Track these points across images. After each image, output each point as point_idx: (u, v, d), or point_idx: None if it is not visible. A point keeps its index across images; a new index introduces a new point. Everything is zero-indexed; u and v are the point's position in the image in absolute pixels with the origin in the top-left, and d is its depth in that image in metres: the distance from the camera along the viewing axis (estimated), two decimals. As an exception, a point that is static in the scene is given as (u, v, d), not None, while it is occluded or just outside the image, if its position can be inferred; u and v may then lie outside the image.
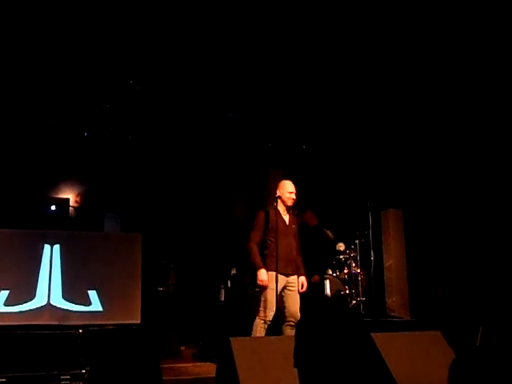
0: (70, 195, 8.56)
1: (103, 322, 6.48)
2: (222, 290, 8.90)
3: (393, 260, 8.48)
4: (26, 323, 6.15)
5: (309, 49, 6.49)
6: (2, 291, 6.41)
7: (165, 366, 6.39)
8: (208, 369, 5.77)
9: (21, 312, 6.46)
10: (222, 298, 8.90)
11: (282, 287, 5.50)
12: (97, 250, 7.06)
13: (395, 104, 7.40)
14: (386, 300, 8.37)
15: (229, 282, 8.78)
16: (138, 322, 6.70)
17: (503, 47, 5.90)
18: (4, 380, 4.02)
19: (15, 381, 4.07)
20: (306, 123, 8.03)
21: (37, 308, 6.54)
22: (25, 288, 6.57)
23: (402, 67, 6.74)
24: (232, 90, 7.24)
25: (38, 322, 6.16)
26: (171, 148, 8.30)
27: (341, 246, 8.04)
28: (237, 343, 4.62)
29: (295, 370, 1.65)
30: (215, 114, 7.73)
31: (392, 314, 8.14)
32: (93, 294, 6.74)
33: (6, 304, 6.41)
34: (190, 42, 6.37)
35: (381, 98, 7.36)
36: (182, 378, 5.84)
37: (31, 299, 6.54)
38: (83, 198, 8.50)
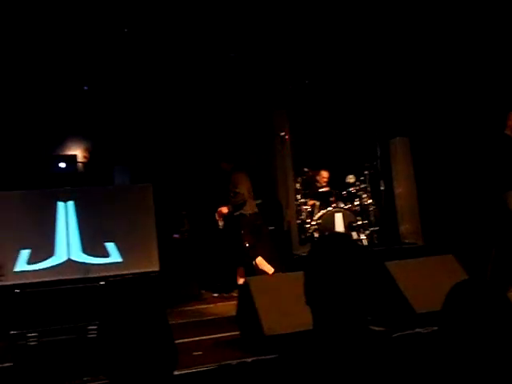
0: (76, 151, 8.57)
1: (123, 272, 6.64)
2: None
3: (403, 188, 8.50)
4: (49, 279, 6.33)
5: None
6: (23, 250, 6.57)
7: (186, 308, 6.61)
8: (228, 308, 5.94)
9: (43, 269, 6.64)
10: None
11: None
12: (110, 204, 7.15)
13: (400, 32, 7.18)
14: (399, 227, 8.46)
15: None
16: (157, 269, 6.86)
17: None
18: (36, 334, 4.18)
19: (45, 334, 4.22)
20: (307, 58, 7.85)
21: (58, 264, 6.71)
22: (44, 246, 6.73)
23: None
24: (233, 29, 7.04)
25: (60, 277, 6.33)
26: (175, 94, 8.18)
27: (351, 179, 8.06)
28: (255, 282, 4.76)
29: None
30: (216, 55, 7.56)
31: (406, 240, 8.25)
32: (110, 246, 6.87)
33: (29, 262, 6.58)
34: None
35: (385, 28, 7.13)
36: (204, 318, 6.05)
37: (51, 256, 6.70)
38: (91, 152, 8.50)
